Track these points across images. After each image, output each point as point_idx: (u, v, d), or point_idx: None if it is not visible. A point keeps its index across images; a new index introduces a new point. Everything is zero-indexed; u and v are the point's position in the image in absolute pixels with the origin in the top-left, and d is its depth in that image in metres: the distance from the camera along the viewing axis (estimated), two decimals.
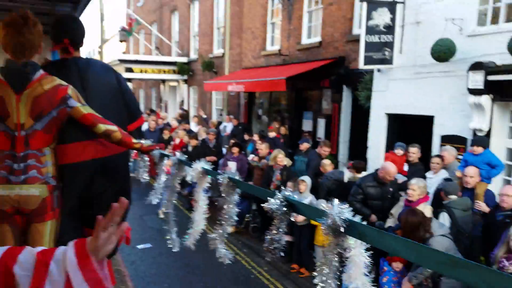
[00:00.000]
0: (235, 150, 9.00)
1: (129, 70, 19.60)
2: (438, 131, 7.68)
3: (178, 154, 3.00)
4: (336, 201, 1.29)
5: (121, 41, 21.72)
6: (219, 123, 16.76)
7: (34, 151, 2.35)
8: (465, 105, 7.02)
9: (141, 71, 19.92)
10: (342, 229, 1.20)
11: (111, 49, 31.43)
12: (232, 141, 10.22)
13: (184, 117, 18.71)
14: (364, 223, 1.23)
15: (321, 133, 11.84)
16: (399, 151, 7.05)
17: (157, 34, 23.00)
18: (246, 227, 8.30)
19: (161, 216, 3.71)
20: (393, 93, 8.64)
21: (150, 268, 7.24)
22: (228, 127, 14.65)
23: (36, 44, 2.40)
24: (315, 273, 1.36)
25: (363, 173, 6.88)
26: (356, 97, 11.05)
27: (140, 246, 8.16)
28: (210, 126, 13.68)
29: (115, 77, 2.91)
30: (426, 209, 4.77)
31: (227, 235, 2.45)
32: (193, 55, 20.66)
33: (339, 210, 1.23)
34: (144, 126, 15.41)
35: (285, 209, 1.51)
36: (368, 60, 8.41)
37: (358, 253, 1.24)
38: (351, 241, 1.24)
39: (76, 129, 2.55)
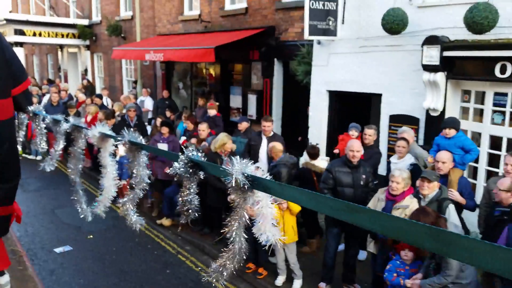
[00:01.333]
0: (165, 130, 7.85)
1: (20, 32, 16.79)
2: (386, 111, 7.36)
3: (71, 119, 2.74)
4: (236, 158, 1.27)
5: None
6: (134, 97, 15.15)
7: None
8: (417, 82, 6.73)
9: (34, 34, 17.13)
10: (246, 186, 1.23)
11: None
12: (158, 119, 8.98)
13: (88, 89, 16.65)
14: None
15: (252, 110, 11.07)
16: (353, 133, 6.56)
17: None
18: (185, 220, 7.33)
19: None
20: (335, 68, 8.13)
21: (75, 277, 5.94)
22: (146, 101, 13.20)
23: None
24: (225, 230, 1.36)
25: (320, 159, 6.31)
26: (288, 72, 10.45)
27: (58, 250, 6.74)
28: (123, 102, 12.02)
29: None
30: (413, 202, 4.31)
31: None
32: (96, 17, 18.31)
33: (241, 167, 1.23)
34: (44, 100, 13.28)
35: (190, 170, 1.51)
36: (312, 30, 7.73)
37: (265, 204, 1.26)
38: (258, 194, 1.26)
39: None
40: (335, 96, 8.32)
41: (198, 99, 12.08)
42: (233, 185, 1.23)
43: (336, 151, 6.93)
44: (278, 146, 6.30)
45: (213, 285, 1.57)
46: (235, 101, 12.14)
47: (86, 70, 19.20)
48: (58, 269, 6.15)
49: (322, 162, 6.31)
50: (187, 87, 14.34)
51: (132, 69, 16.78)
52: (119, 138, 1.99)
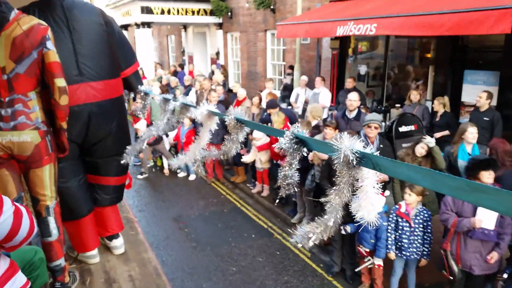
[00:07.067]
0: None
1: (147, 10, 13.93)
2: None
3: (180, 97, 2.96)
4: (345, 133, 1.24)
5: None
6: (285, 87, 11.43)
7: (20, 95, 2.31)
8: None
9: (162, 12, 14.22)
10: (354, 162, 1.20)
11: None
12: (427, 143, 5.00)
13: (224, 76, 13.38)
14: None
15: None
16: None
17: None
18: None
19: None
20: None
21: None
22: (322, 95, 9.35)
23: None
24: (325, 200, 1.36)
25: None
26: None
27: None
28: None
29: (103, 19, 2.78)
30: None
31: None
32: None
33: (350, 143, 1.21)
34: (192, 94, 10.11)
35: (295, 145, 1.51)
36: None
37: (370, 183, 1.23)
38: (364, 172, 1.22)
39: (66, 72, 2.45)
40: None
41: (410, 91, 8.00)
42: (341, 161, 1.22)
43: None
44: None
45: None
46: (472, 92, 7.85)
47: (218, 53, 16.00)
48: None
49: None
50: (377, 73, 10.31)
51: (281, 51, 13.14)
52: (225, 115, 1.99)
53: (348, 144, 1.22)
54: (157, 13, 14.20)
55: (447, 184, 0.95)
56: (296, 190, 1.71)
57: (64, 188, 2.72)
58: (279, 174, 1.67)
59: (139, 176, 9.07)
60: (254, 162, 7.53)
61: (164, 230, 6.57)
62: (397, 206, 4.46)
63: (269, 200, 7.43)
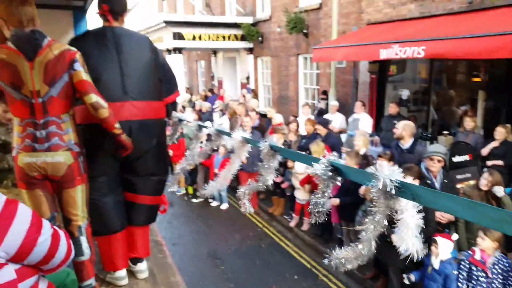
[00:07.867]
0: None
1: (179, 36, 13.87)
2: None
3: (215, 124, 2.94)
4: (385, 163, 1.21)
5: None
6: (320, 112, 11.00)
7: (54, 117, 2.42)
8: None
9: (194, 38, 14.14)
10: (393, 191, 1.16)
11: (141, 14, 25.59)
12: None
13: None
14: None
15: None
16: None
17: None
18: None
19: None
20: None
21: None
22: (362, 121, 8.86)
23: (36, 14, 2.42)
24: (360, 228, 1.33)
25: None
26: None
27: None
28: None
29: (150, 47, 2.92)
30: None
31: None
32: (262, 13, 14.75)
33: (389, 172, 1.17)
34: (224, 121, 9.81)
35: (330, 173, 1.48)
36: None
37: (410, 215, 1.19)
38: (403, 203, 1.18)
39: (111, 90, 2.64)
40: None
41: (465, 118, 7.43)
42: (379, 189, 1.18)
43: None
44: None
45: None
46: None
47: (248, 78, 15.79)
48: None
49: None
50: (417, 97, 9.80)
51: (314, 75, 12.78)
52: (260, 143, 1.97)
53: (387, 173, 1.17)
54: (188, 39, 14.13)
55: (488, 215, 0.91)
56: (326, 219, 1.58)
57: (101, 202, 2.77)
58: (311, 201, 1.60)
59: (194, 200, 9.01)
60: (293, 193, 7.08)
61: (198, 268, 6.14)
62: (470, 252, 3.91)
63: (309, 235, 6.92)
